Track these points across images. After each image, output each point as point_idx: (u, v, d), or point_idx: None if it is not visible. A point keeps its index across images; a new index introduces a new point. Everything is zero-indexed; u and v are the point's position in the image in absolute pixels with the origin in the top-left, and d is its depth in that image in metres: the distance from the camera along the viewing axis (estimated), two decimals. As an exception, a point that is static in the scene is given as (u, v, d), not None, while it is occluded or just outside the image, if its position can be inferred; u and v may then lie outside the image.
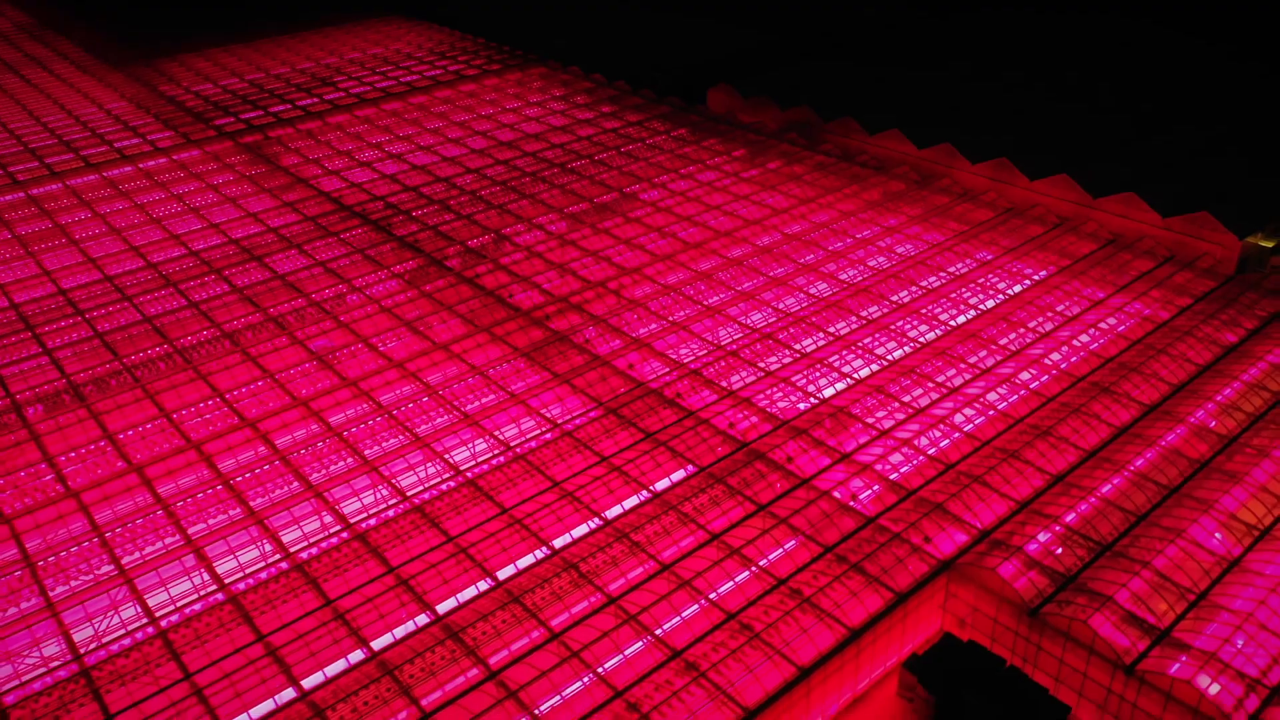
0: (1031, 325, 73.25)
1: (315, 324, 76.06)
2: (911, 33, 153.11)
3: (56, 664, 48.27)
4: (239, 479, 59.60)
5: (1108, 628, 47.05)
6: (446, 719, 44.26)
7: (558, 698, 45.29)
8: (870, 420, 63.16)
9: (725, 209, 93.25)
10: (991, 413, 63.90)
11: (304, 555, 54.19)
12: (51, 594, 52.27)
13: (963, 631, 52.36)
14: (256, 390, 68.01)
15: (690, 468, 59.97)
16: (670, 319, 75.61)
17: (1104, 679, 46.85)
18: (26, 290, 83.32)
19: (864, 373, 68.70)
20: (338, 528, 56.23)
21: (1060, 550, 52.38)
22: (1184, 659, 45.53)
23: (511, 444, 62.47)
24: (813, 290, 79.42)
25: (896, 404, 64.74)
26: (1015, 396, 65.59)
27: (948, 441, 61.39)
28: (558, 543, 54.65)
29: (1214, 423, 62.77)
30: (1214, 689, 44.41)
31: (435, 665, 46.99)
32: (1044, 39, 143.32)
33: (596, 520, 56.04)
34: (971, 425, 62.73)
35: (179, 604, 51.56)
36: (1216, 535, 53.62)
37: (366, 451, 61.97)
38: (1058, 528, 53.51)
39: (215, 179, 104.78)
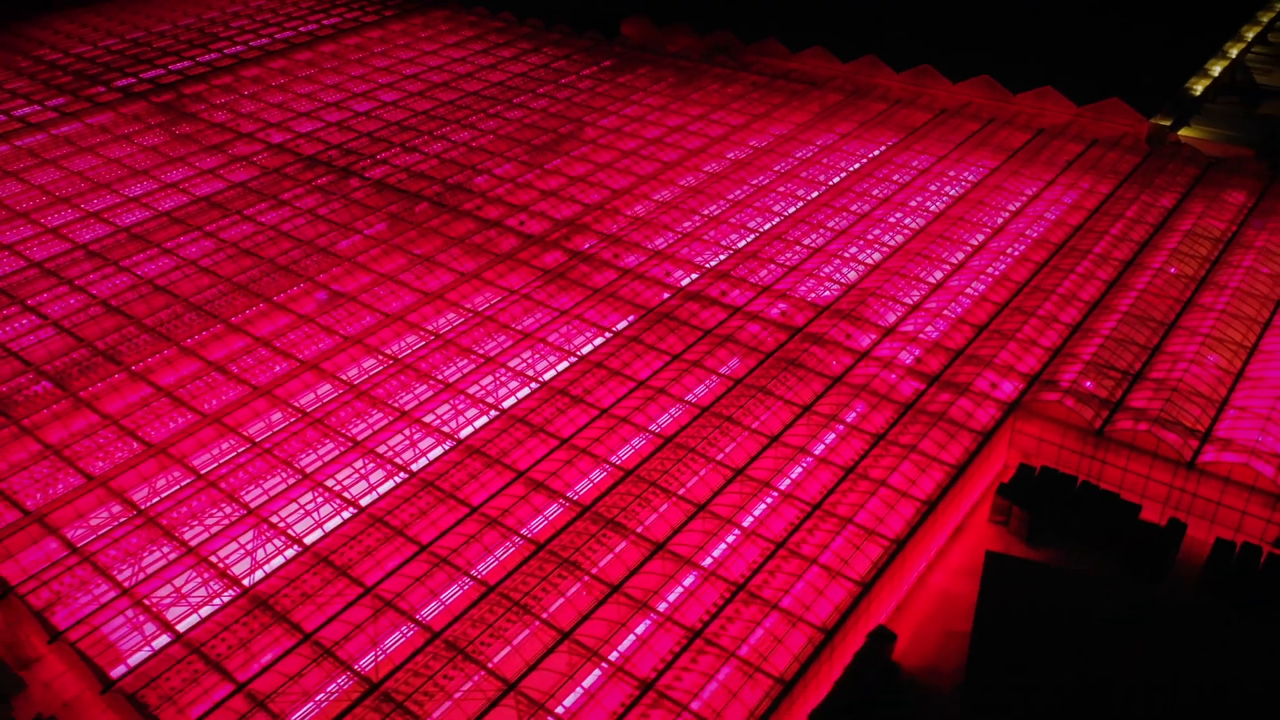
0: (1003, 205, 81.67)
1: (335, 266, 75.82)
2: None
3: (229, 596, 48.85)
4: (333, 415, 60.20)
5: (1163, 434, 55.50)
6: (639, 585, 48.09)
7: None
8: (900, 298, 69.77)
9: (688, 129, 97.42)
10: (997, 282, 71.66)
11: (429, 473, 55.96)
12: (185, 537, 52.25)
13: (1033, 461, 59.96)
14: (309, 333, 68.01)
15: (758, 354, 64.82)
16: (679, 230, 79.72)
17: (1166, 478, 55.44)
18: (-5, 265, 78.73)
19: (875, 258, 75.20)
20: (450, 444, 58.15)
21: (1094, 383, 60.53)
22: (1230, 452, 54.52)
23: (582, 353, 65.53)
24: (799, 193, 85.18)
25: (916, 281, 71.64)
26: (1012, 265, 73.63)
27: (969, 302, 68.86)
28: (658, 426, 58.63)
29: (1174, 269, 72.72)
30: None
31: (590, 547, 50.51)
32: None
33: (690, 407, 60.22)
34: (984, 290, 70.37)
35: (327, 528, 52.71)
36: (1211, 356, 63.11)
37: (446, 375, 63.63)
38: (1090, 365, 61.69)
39: (147, 139, 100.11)
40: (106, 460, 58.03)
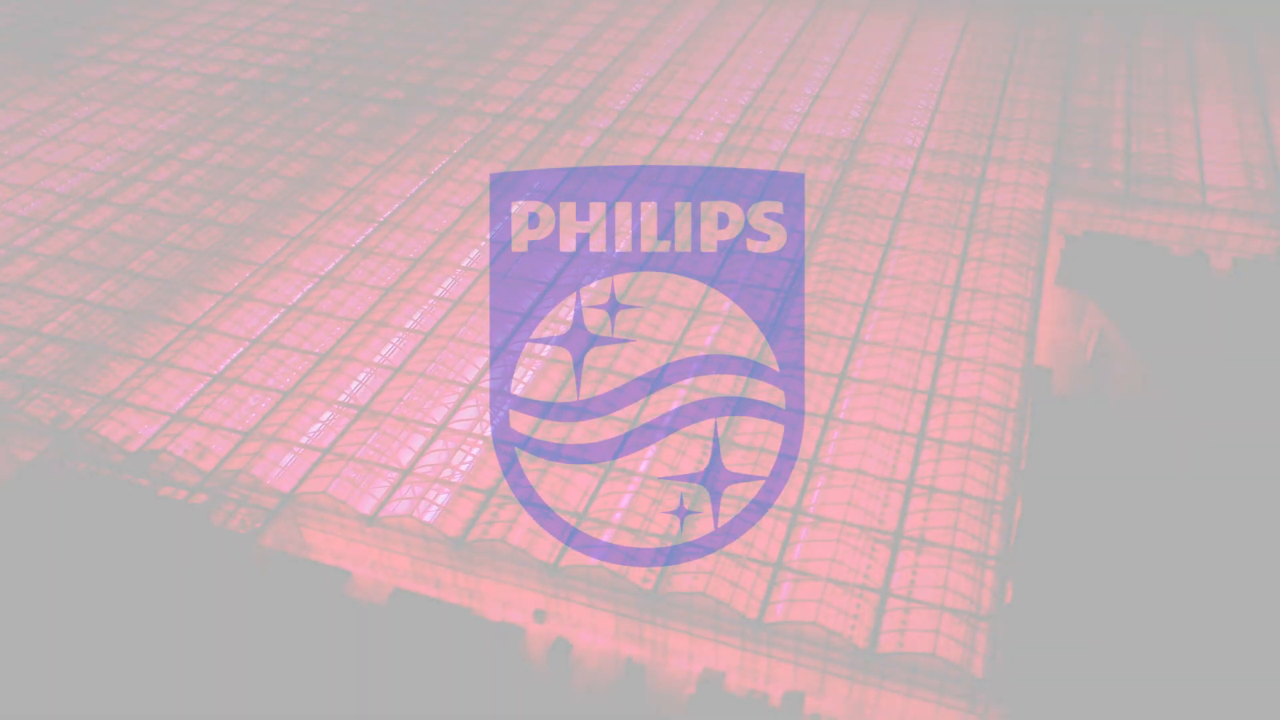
0: (939, 40, 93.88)
1: (391, 173, 75.86)
2: None
3: (481, 438, 52.26)
4: (478, 308, 62.76)
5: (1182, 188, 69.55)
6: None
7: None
8: (912, 123, 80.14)
9: (631, 11, 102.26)
10: (965, 102, 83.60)
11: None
12: (423, 418, 54.63)
13: (1069, 230, 72.51)
14: (407, 232, 68.93)
15: (824, 184, 73.03)
16: (684, 98, 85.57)
17: (1183, 220, 69.65)
18: (-5, 228, 72.54)
19: (865, 97, 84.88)
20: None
21: (1094, 164, 73.68)
22: (1226, 194, 69.42)
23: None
24: (769, 54, 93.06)
25: (913, 109, 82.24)
26: (967, 86, 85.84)
27: (954, 119, 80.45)
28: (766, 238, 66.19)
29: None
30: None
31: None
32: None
33: (799, 234, 67.89)
34: (960, 106, 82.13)
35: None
36: (1159, 128, 78.10)
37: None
38: (1085, 148, 74.82)
39: (58, 87, 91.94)
40: (291, 373, 58.15)
